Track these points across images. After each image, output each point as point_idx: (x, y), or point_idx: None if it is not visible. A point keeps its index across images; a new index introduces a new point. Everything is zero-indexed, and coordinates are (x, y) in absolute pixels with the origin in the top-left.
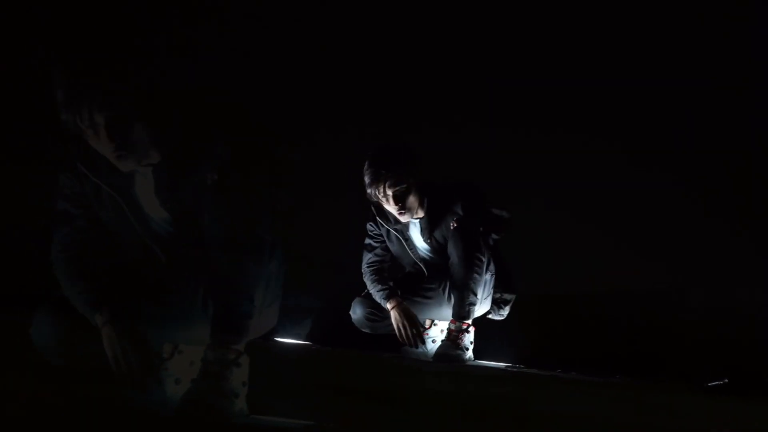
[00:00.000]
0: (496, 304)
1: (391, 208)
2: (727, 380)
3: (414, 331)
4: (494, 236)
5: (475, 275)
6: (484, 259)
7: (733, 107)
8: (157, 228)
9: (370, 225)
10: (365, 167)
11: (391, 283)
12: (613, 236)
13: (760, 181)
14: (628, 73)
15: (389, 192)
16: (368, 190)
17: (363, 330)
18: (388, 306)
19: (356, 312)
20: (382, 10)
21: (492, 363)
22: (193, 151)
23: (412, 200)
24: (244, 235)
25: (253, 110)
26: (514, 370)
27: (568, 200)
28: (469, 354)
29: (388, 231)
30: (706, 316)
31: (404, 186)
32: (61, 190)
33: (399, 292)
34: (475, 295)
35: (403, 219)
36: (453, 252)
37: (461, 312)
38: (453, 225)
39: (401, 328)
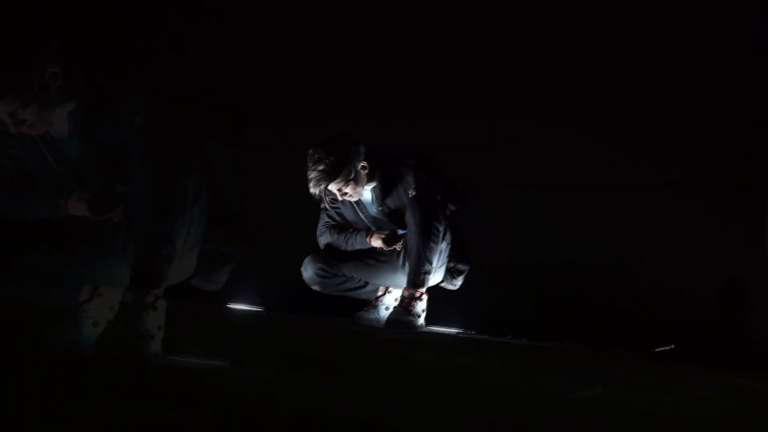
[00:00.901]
0: (450, 273)
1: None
2: (673, 346)
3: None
4: (451, 207)
5: (432, 244)
6: (441, 228)
7: (734, 105)
8: (77, 167)
9: None
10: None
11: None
12: (568, 206)
13: (720, 160)
14: (611, 62)
15: (331, 192)
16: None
17: (313, 288)
18: (368, 240)
19: (307, 270)
20: (381, 10)
21: (444, 329)
22: (112, 96)
23: (352, 188)
24: (167, 178)
25: (252, 110)
26: (466, 336)
27: (525, 171)
28: (421, 321)
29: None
30: (657, 286)
31: (337, 184)
32: None
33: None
34: (431, 263)
35: (351, 199)
36: (410, 220)
37: (416, 280)
38: (411, 193)
39: (385, 240)
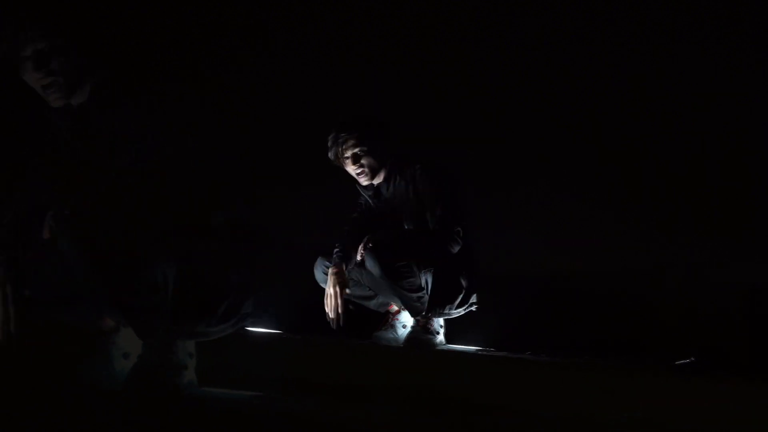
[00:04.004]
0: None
1: (350, 169)
2: (693, 359)
3: (337, 303)
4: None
5: (402, 282)
6: (405, 269)
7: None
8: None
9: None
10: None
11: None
12: (583, 217)
13: (736, 170)
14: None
15: (347, 153)
16: (329, 154)
17: (323, 286)
18: (331, 269)
19: (318, 269)
20: (380, 10)
21: (462, 347)
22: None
23: (370, 162)
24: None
25: (246, 110)
26: (485, 353)
27: (539, 180)
28: (440, 338)
29: (366, 199)
30: (676, 298)
31: (361, 148)
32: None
33: (347, 264)
34: (414, 292)
35: (362, 181)
36: (371, 271)
37: (416, 309)
38: (368, 245)
39: (329, 295)
